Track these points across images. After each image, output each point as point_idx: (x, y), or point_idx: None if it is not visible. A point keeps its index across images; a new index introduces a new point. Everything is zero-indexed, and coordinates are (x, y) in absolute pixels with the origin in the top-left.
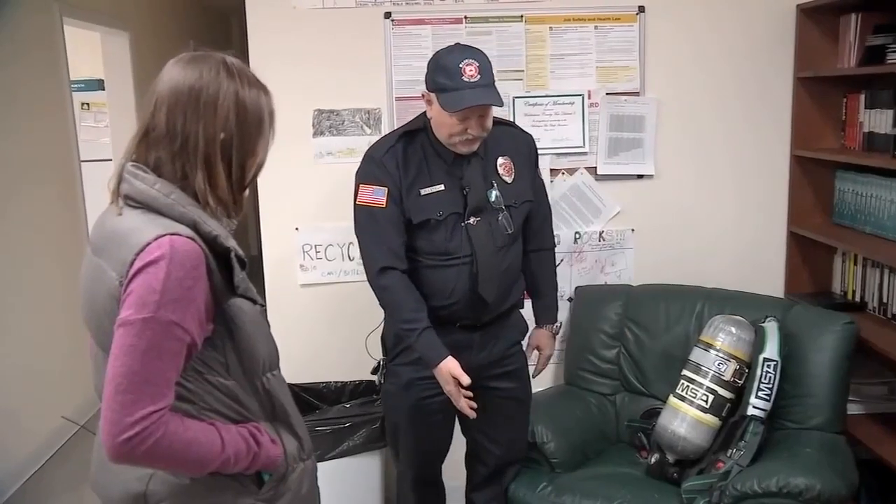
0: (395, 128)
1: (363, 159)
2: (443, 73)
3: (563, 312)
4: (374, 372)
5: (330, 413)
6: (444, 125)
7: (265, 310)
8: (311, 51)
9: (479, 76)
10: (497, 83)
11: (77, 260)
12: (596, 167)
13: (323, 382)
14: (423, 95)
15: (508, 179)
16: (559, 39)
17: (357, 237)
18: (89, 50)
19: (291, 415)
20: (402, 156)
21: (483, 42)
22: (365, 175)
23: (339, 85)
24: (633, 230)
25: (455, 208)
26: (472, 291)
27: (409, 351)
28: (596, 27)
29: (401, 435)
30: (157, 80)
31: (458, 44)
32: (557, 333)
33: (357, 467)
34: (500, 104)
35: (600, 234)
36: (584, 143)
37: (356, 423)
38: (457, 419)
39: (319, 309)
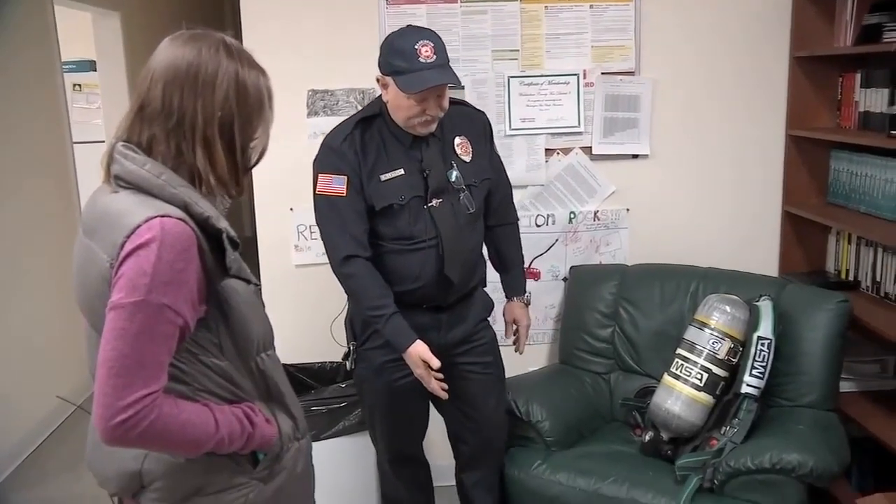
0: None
1: (321, 148)
2: (398, 55)
3: (558, 292)
4: (346, 358)
5: (325, 393)
6: (402, 108)
7: (260, 290)
8: (304, 30)
9: (434, 56)
10: (492, 63)
11: (71, 241)
12: (591, 147)
13: (318, 362)
14: (378, 80)
15: (467, 158)
16: (555, 19)
17: (318, 227)
18: (81, 30)
19: (286, 394)
20: (360, 142)
21: (478, 21)
22: (323, 164)
23: (333, 65)
24: (627, 210)
25: (416, 192)
26: (438, 273)
27: (378, 335)
28: (591, 6)
29: (376, 417)
30: (152, 57)
31: (409, 26)
32: (529, 304)
33: (352, 447)
34: (459, 83)
35: (595, 213)
36: (579, 123)
37: (351, 402)
38: (432, 398)
39: (314, 289)
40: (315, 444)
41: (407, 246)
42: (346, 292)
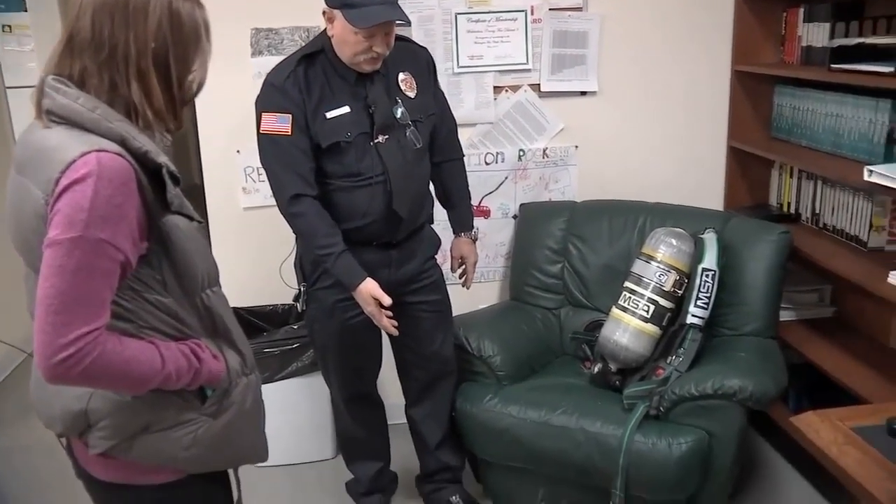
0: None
1: (263, 87)
2: None
3: (508, 230)
4: (296, 299)
5: (277, 335)
6: (348, 43)
7: (203, 226)
8: None
9: None
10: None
11: (4, 183)
12: (539, 84)
13: (269, 305)
14: (324, 13)
15: (411, 94)
16: None
17: (264, 167)
18: None
19: (232, 331)
20: (304, 80)
21: None
22: (266, 103)
23: (276, 2)
24: (576, 147)
25: (362, 128)
26: (386, 209)
27: (328, 275)
28: None
29: (329, 357)
30: None
31: None
32: (476, 240)
33: (306, 388)
34: (408, 21)
35: (544, 151)
36: (527, 60)
37: (304, 343)
38: (385, 336)
39: (263, 232)
40: (269, 386)
41: (354, 183)
42: (294, 232)
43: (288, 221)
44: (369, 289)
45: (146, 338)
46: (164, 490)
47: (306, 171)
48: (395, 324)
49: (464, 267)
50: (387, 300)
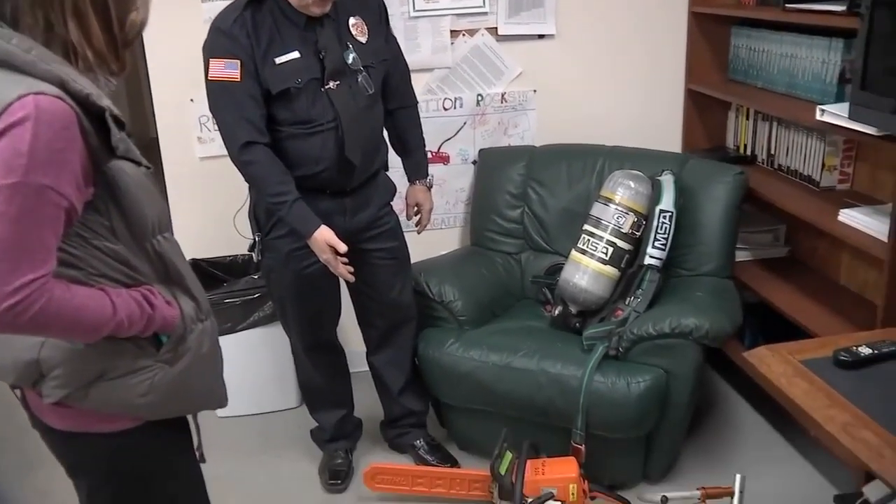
0: None
1: (210, 32)
2: None
3: (468, 175)
4: (251, 249)
5: (238, 285)
6: None
7: (151, 172)
8: None
9: None
10: None
11: None
12: (496, 28)
13: (229, 256)
14: None
15: (363, 40)
16: None
17: (213, 114)
18: None
19: (186, 276)
20: (252, 25)
21: None
22: (214, 49)
23: None
24: (534, 91)
25: (313, 74)
26: (338, 157)
27: (282, 223)
28: None
29: (287, 307)
30: None
31: None
32: (431, 187)
33: (268, 337)
34: None
35: (502, 95)
36: (483, 3)
37: (265, 293)
38: (343, 284)
39: (221, 182)
40: (231, 337)
41: (306, 130)
42: (246, 181)
43: (239, 170)
44: (324, 236)
45: (96, 285)
46: (122, 437)
47: (257, 119)
48: (352, 270)
49: (419, 214)
50: (342, 247)
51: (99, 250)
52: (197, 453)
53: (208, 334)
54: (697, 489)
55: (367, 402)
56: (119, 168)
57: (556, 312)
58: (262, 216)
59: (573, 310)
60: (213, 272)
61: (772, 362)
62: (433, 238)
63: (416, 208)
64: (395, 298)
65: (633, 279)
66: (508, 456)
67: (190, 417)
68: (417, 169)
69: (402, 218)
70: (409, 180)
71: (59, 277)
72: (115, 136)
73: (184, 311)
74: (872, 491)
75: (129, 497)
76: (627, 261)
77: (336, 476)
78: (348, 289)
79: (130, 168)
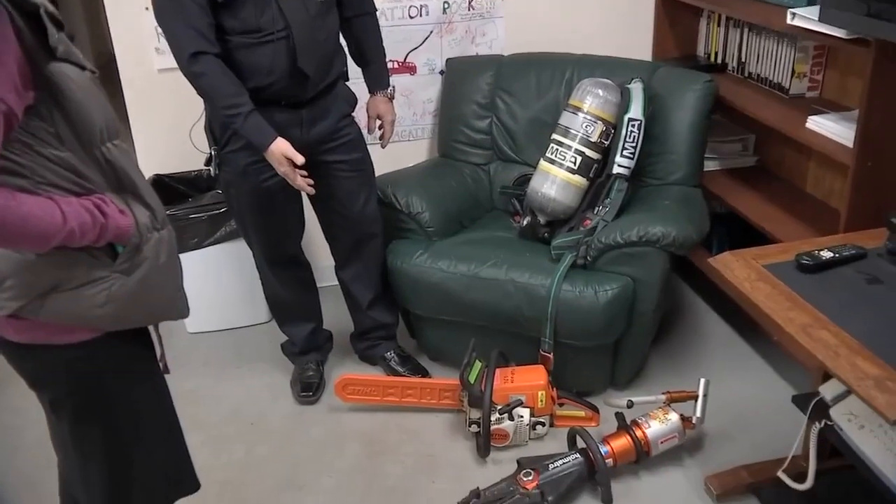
0: None
1: None
2: None
3: (435, 86)
4: (208, 163)
5: (203, 200)
6: None
7: (97, 77)
8: None
9: None
10: None
11: None
12: None
13: (194, 171)
14: None
15: None
16: None
17: (160, 25)
18: None
19: (139, 185)
20: None
21: None
22: None
23: None
24: None
25: None
26: (291, 67)
27: (238, 137)
28: None
29: (247, 221)
30: None
31: None
32: (393, 97)
33: (235, 252)
34: None
35: (470, 2)
36: None
37: None
38: (306, 197)
39: (182, 94)
40: (198, 252)
41: (255, 39)
42: (198, 94)
43: (191, 82)
44: (281, 148)
45: (44, 193)
46: (80, 349)
47: (204, 27)
48: (311, 182)
49: (381, 126)
50: (299, 159)
51: (45, 158)
52: (160, 364)
53: (165, 243)
54: (662, 393)
55: (337, 315)
56: (60, 71)
57: (525, 223)
58: (218, 129)
59: (542, 220)
60: (177, 188)
61: (736, 267)
62: (400, 150)
63: (378, 121)
64: (360, 211)
65: (602, 188)
66: (478, 365)
67: (152, 329)
68: (378, 79)
69: (365, 131)
70: (369, 91)
71: (4, 186)
72: (52, 36)
73: (138, 221)
74: (828, 390)
75: (91, 408)
76: (596, 170)
77: (308, 388)
78: (311, 203)
79: (73, 71)
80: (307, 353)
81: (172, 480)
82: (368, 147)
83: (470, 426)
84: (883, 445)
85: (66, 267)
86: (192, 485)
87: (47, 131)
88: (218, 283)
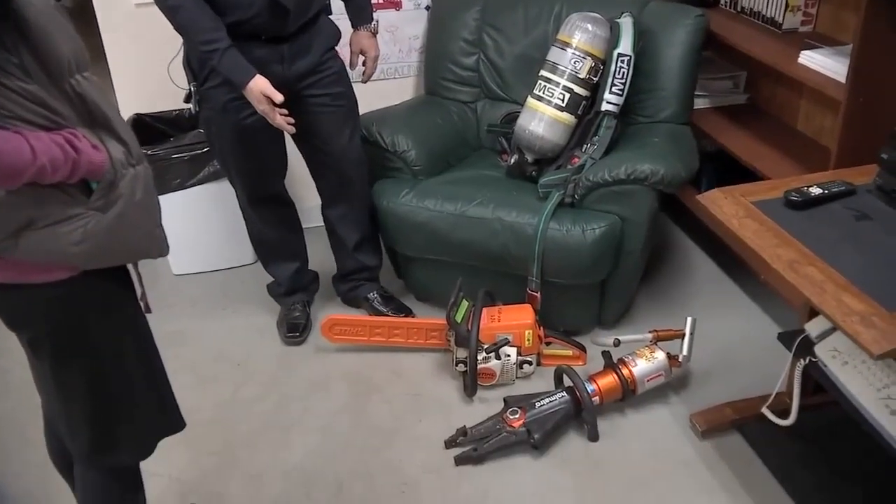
0: None
1: None
2: None
3: (421, 22)
4: (187, 100)
5: (185, 139)
6: None
7: (64, 7)
8: None
9: None
10: None
11: None
12: None
13: (175, 110)
14: None
15: None
16: None
17: None
18: None
19: (112, 119)
20: None
21: None
22: None
23: None
24: None
25: None
26: (271, 0)
27: (216, 73)
28: None
29: (229, 159)
30: None
31: None
32: (377, 33)
33: (219, 193)
34: None
35: None
36: None
37: None
38: (288, 136)
39: (162, 32)
40: (181, 193)
41: None
42: (174, 28)
43: (167, 16)
44: (259, 86)
45: (12, 128)
46: (58, 288)
47: None
48: (292, 121)
49: (364, 62)
50: (278, 97)
51: (11, 90)
52: (141, 303)
53: (141, 180)
54: (649, 332)
55: (319, 256)
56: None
57: (512, 161)
58: (196, 64)
59: (529, 158)
60: (157, 127)
61: (724, 204)
62: (386, 88)
63: (360, 56)
64: (344, 147)
65: (590, 126)
66: (464, 304)
67: (131, 267)
68: (360, 13)
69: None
70: (352, 26)
71: None
72: None
73: (112, 156)
74: (813, 327)
75: (71, 348)
76: (584, 107)
77: (294, 329)
78: (295, 140)
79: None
80: (293, 293)
81: (157, 419)
82: (353, 84)
83: (457, 365)
84: (865, 381)
85: (39, 204)
86: (178, 423)
87: (11, 62)
88: (202, 224)
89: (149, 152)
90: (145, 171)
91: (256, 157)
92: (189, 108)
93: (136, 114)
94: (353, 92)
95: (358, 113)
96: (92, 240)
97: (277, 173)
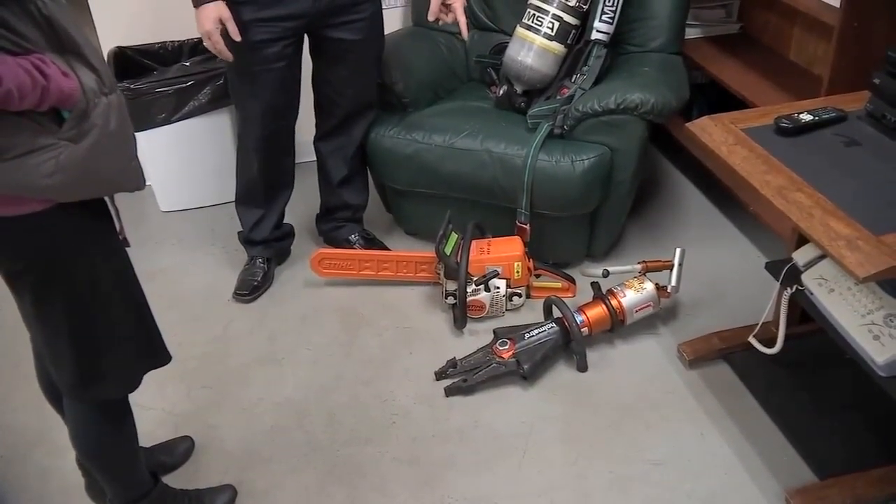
0: None
1: None
2: None
3: None
4: None
5: (169, 73)
6: None
7: None
8: None
9: None
10: None
11: None
12: None
13: (158, 43)
14: None
15: None
16: None
17: None
18: None
19: (83, 45)
20: None
21: None
22: None
23: None
24: None
25: None
26: None
27: None
28: None
29: (243, 90)
30: None
31: None
32: None
33: (207, 127)
34: None
35: None
36: None
37: (199, 81)
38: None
39: None
40: (166, 128)
41: None
42: None
43: None
44: (220, 11)
45: None
46: (31, 220)
47: None
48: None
49: (452, 14)
50: (236, 35)
51: None
52: (120, 237)
53: (115, 109)
54: (638, 263)
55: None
56: None
57: (501, 92)
58: None
59: (518, 89)
60: (140, 61)
61: (714, 131)
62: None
63: (444, 6)
64: (359, 90)
65: (580, 56)
66: (454, 237)
67: (108, 201)
68: None
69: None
70: None
71: None
72: None
73: (84, 84)
74: (801, 256)
75: (50, 283)
76: (574, 36)
77: (244, 287)
78: (313, 77)
79: None
80: (260, 244)
81: (142, 352)
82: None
83: (446, 298)
84: (850, 307)
85: (7, 134)
86: (163, 357)
87: None
88: (189, 159)
89: (132, 86)
90: (119, 99)
91: (271, 89)
92: (176, 41)
93: (118, 46)
94: (383, 38)
95: (380, 62)
96: (65, 172)
97: (288, 111)
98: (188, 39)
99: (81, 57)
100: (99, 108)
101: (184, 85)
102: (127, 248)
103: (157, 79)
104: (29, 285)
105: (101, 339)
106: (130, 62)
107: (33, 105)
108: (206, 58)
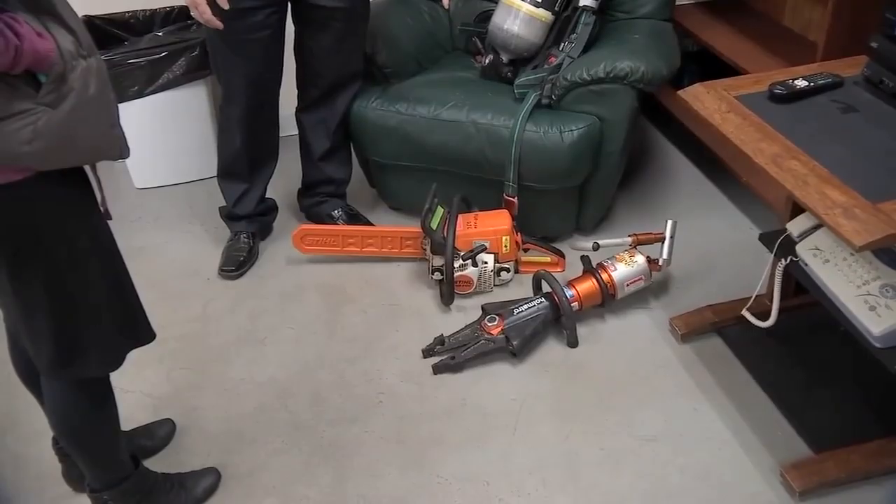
0: None
1: None
2: None
3: None
4: None
5: (141, 43)
6: None
7: None
8: None
9: None
10: None
11: None
12: None
13: (129, 11)
14: None
15: None
16: None
17: None
18: None
19: (58, 5)
20: None
21: None
22: None
23: None
24: None
25: None
26: None
27: None
28: None
29: (226, 62)
30: None
31: None
32: None
33: (181, 99)
34: None
35: None
36: None
37: (173, 51)
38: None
39: None
40: (140, 101)
41: None
42: None
43: None
44: None
45: None
46: (9, 190)
47: None
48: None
49: None
50: (224, 3)
51: None
52: (101, 209)
53: (94, 73)
54: (629, 236)
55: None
56: None
57: (487, 62)
58: None
59: (504, 58)
60: (110, 31)
61: (706, 99)
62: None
63: None
64: (344, 61)
65: (568, 23)
66: (440, 211)
67: (90, 171)
68: None
69: None
70: None
71: None
72: None
73: (60, 45)
74: (795, 226)
75: (28, 256)
76: (561, 3)
77: (230, 262)
78: (296, 48)
79: None
80: (241, 218)
81: (125, 330)
82: None
83: (433, 274)
84: (845, 278)
85: None
86: (147, 334)
87: None
88: (163, 134)
89: (102, 57)
90: (98, 64)
91: (256, 58)
92: (148, 10)
93: (86, 15)
94: (369, 5)
95: (366, 30)
96: (43, 138)
97: (272, 82)
98: (160, 8)
99: (57, 17)
100: (77, 72)
101: (157, 56)
102: (108, 222)
103: (128, 49)
104: (5, 258)
105: (81, 313)
106: (100, 32)
107: (6, 67)
108: (179, 27)
